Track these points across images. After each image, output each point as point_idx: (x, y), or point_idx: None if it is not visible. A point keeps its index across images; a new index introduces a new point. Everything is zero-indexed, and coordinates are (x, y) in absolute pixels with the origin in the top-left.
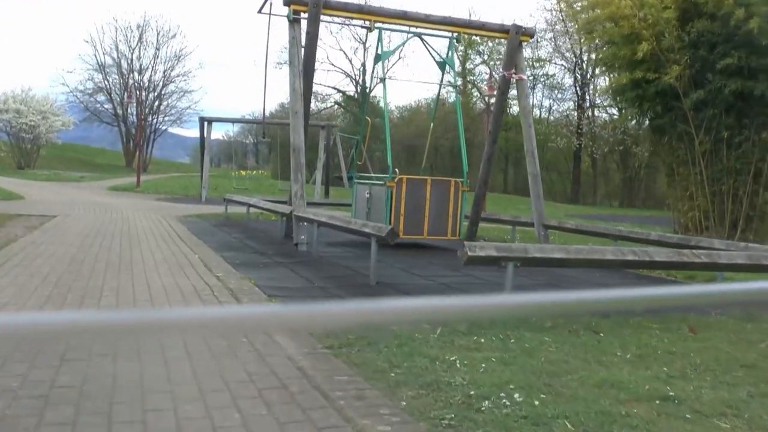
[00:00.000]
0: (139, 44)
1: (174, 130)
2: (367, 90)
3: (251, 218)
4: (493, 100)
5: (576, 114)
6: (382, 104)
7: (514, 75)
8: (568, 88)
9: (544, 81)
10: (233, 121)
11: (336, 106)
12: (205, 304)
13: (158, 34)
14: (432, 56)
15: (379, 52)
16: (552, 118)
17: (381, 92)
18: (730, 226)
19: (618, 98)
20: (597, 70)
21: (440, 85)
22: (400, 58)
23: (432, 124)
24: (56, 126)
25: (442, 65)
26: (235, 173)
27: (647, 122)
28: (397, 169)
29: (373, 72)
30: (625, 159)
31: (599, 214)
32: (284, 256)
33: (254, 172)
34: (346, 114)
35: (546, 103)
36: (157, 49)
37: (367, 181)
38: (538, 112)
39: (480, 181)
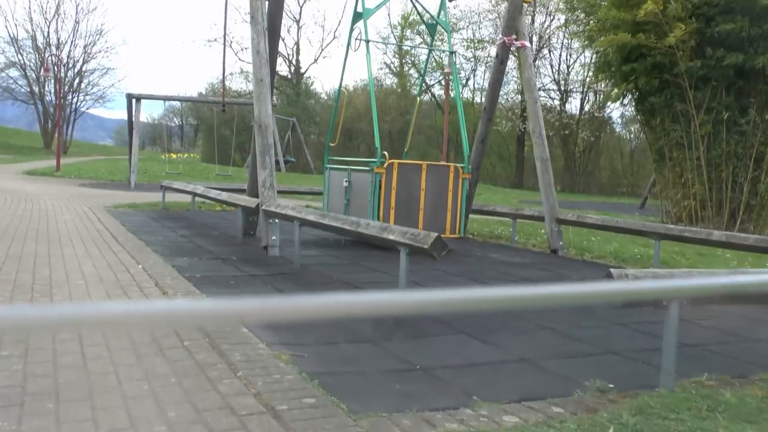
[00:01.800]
0: (56, 16)
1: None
2: (348, 54)
3: (195, 209)
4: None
5: (520, 97)
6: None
7: (515, 42)
8: (509, 71)
9: (486, 63)
10: (164, 98)
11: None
12: (175, 366)
13: (77, 5)
14: (421, 18)
15: (359, 9)
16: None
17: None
18: (729, 215)
19: (604, 73)
20: (574, 43)
21: (429, 51)
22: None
23: (419, 99)
24: None
25: (433, 27)
26: (165, 156)
27: (633, 101)
28: (386, 153)
29: (350, 33)
30: (566, 143)
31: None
32: (255, 264)
33: (184, 155)
34: (279, 95)
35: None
36: (77, 22)
37: (344, 167)
38: (479, 97)
39: (472, 166)
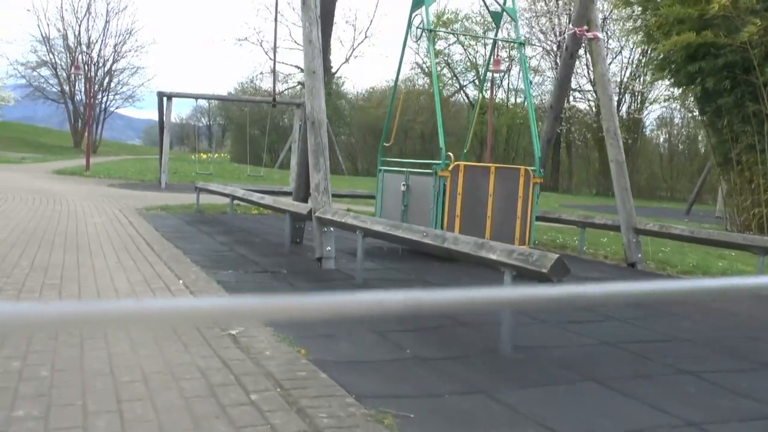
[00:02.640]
0: (87, 15)
1: (124, 111)
2: (406, 44)
3: (233, 212)
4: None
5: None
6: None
7: (586, 33)
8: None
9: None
10: (197, 96)
11: (300, 87)
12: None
13: (108, 4)
14: (485, 5)
15: None
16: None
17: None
18: None
19: (664, 72)
20: (628, 41)
21: (494, 44)
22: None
23: (481, 95)
24: None
25: (498, 16)
26: (195, 156)
27: (697, 102)
28: (450, 154)
29: (410, 21)
30: (602, 146)
31: (593, 205)
32: (309, 279)
33: (214, 155)
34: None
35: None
36: (107, 21)
37: (401, 170)
38: (515, 98)
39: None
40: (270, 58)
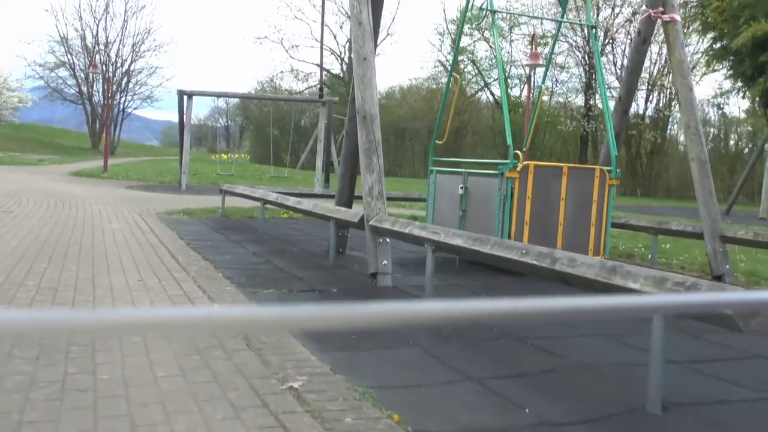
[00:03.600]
0: (105, 15)
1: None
2: (462, 29)
3: (262, 218)
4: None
5: (584, 97)
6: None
7: (662, 15)
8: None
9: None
10: (218, 95)
11: (320, 87)
12: None
13: (126, 4)
14: None
15: None
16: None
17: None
18: None
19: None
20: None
21: (558, 27)
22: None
23: (542, 85)
24: (12, 103)
25: None
26: (216, 157)
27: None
28: (519, 152)
29: (468, 4)
30: (629, 144)
31: (638, 206)
32: (366, 300)
33: (235, 156)
34: (332, 93)
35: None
36: (125, 21)
37: (457, 170)
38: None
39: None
40: (291, 57)
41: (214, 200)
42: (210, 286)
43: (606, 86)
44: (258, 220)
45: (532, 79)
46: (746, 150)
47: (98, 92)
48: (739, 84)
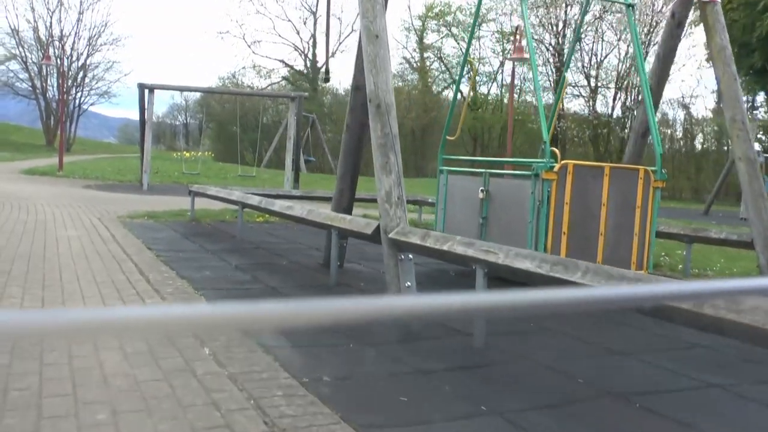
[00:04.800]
0: (59, 6)
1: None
2: (478, 12)
3: (235, 221)
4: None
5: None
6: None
7: None
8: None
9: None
10: (181, 89)
11: (283, 82)
12: None
13: None
14: None
15: None
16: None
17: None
18: None
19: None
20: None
21: (586, 5)
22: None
23: (564, 76)
24: None
25: None
26: (179, 155)
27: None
28: (556, 150)
29: None
30: (596, 143)
31: None
32: (399, 334)
33: (198, 153)
34: (295, 90)
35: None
36: (81, 13)
37: (477, 170)
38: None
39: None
40: (254, 52)
41: (180, 201)
42: None
43: (645, 75)
44: (235, 226)
45: (516, 74)
46: (713, 149)
47: (52, 87)
48: (745, 77)
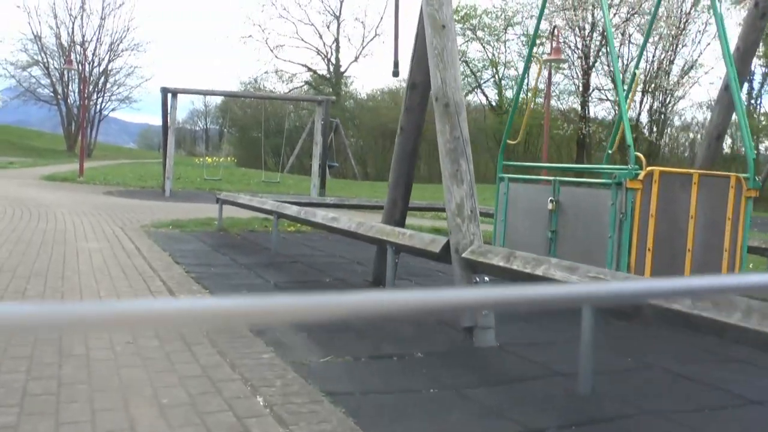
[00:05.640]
0: (81, 12)
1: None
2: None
3: (267, 231)
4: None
5: (581, 99)
6: (353, 88)
7: None
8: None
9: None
10: (205, 93)
11: (306, 87)
12: None
13: (103, 1)
14: None
15: None
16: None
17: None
18: None
19: None
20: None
21: (658, 3)
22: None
23: (636, 70)
24: None
25: None
26: (200, 160)
27: None
28: (641, 156)
29: None
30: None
31: None
32: (476, 376)
33: (220, 159)
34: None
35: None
36: (102, 19)
37: (544, 178)
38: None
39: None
40: (276, 57)
41: (205, 209)
42: (237, 353)
43: (734, 70)
44: (265, 236)
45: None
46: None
47: (74, 92)
48: None
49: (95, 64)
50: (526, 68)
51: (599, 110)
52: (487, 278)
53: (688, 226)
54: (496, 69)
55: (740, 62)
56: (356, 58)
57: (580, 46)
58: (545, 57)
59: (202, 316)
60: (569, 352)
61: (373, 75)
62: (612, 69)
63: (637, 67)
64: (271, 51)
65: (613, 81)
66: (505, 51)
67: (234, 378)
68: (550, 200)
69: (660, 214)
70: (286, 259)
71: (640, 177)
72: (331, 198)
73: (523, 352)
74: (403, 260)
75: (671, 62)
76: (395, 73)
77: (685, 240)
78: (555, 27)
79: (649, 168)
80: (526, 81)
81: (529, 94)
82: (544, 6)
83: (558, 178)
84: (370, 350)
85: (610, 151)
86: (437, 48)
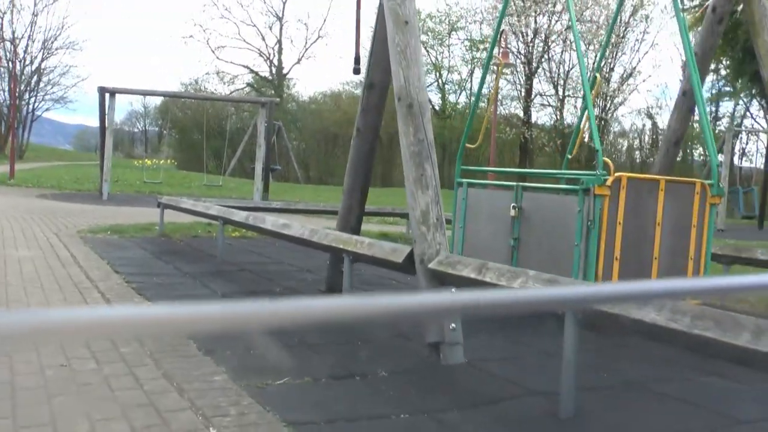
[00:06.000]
0: (11, 7)
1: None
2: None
3: (220, 239)
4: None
5: (523, 104)
6: (297, 92)
7: None
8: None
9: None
10: (145, 93)
11: (247, 89)
12: None
13: None
14: None
15: None
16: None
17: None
18: None
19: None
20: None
21: (619, 6)
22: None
23: (596, 74)
24: None
25: None
26: (140, 162)
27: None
28: (609, 162)
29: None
30: (563, 152)
31: None
32: (455, 395)
33: (160, 161)
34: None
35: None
36: (35, 15)
37: (506, 183)
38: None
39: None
40: (218, 58)
41: (145, 213)
42: (186, 376)
43: (698, 76)
44: (209, 242)
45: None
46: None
47: (4, 91)
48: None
49: (27, 62)
50: (486, 68)
51: (541, 116)
52: (454, 290)
53: (655, 233)
54: (440, 73)
55: (699, 66)
56: (299, 60)
57: (523, 51)
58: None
59: (142, 324)
60: (544, 368)
61: (316, 78)
62: (553, 75)
63: (597, 71)
64: (213, 52)
65: (583, 84)
66: (449, 55)
67: (183, 406)
68: (513, 206)
69: (627, 221)
70: (233, 267)
71: (608, 183)
72: (278, 202)
73: (494, 369)
74: (355, 268)
75: (611, 69)
76: (356, 71)
77: (652, 247)
78: (502, 31)
79: (617, 174)
80: (487, 81)
81: (488, 97)
82: (505, 6)
83: (520, 183)
84: (329, 369)
85: (569, 156)
86: (400, 45)
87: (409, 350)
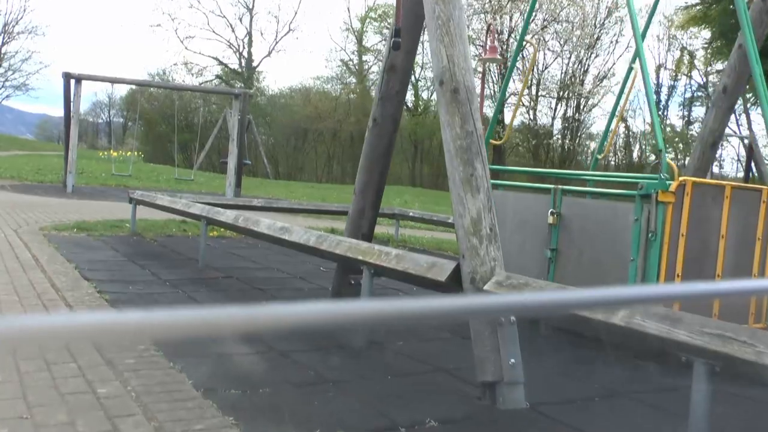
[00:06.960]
0: None
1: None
2: None
3: (202, 242)
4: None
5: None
6: (269, 85)
7: None
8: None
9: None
10: (113, 80)
11: (216, 81)
12: None
13: None
14: None
15: None
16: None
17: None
18: None
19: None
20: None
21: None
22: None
23: (632, 65)
24: None
25: None
26: (105, 154)
27: None
28: (673, 164)
29: None
30: (537, 153)
31: None
32: None
33: (128, 153)
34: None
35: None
36: None
37: (541, 186)
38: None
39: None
40: (186, 48)
41: (113, 208)
42: (185, 429)
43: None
44: (186, 242)
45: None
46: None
47: None
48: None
49: None
50: (516, 55)
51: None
52: (513, 318)
53: (718, 247)
54: (413, 69)
55: (742, 60)
56: (269, 53)
57: (499, 50)
58: (482, 57)
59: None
60: (623, 414)
61: (286, 72)
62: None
63: (633, 61)
64: (181, 42)
65: (645, 91)
66: (422, 52)
67: None
68: (551, 212)
69: (691, 233)
70: (218, 273)
71: (672, 188)
72: (259, 200)
73: (561, 415)
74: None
75: (585, 71)
76: (396, 45)
77: (715, 264)
78: (489, 25)
79: (681, 178)
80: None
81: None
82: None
83: (559, 186)
84: (366, 418)
85: (599, 156)
86: (441, 17)
87: (457, 390)
